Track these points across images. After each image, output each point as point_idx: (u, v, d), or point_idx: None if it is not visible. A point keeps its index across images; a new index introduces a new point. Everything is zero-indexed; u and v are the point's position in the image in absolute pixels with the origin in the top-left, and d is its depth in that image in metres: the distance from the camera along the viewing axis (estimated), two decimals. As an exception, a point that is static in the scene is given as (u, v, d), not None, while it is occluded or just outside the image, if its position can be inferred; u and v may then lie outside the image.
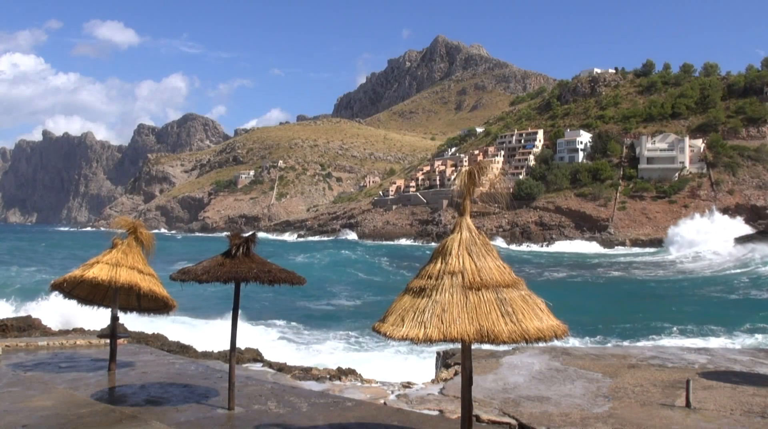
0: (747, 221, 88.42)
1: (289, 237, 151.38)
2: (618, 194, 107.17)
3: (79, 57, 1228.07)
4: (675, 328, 25.71)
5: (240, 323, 9.11)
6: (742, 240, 73.49)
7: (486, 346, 6.68)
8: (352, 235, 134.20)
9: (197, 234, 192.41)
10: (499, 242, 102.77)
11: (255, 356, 15.75)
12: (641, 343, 21.40)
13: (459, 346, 6.35)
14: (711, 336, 23.83)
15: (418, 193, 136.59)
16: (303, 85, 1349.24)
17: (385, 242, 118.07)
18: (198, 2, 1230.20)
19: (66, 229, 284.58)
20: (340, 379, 13.36)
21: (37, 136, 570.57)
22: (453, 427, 8.07)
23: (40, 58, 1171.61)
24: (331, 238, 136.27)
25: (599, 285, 48.37)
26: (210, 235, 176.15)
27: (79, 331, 17.77)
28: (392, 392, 11.41)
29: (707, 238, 77.13)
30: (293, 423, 8.18)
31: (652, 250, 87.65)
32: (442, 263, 6.15)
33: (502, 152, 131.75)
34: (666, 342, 22.15)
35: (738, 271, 55.42)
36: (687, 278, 52.05)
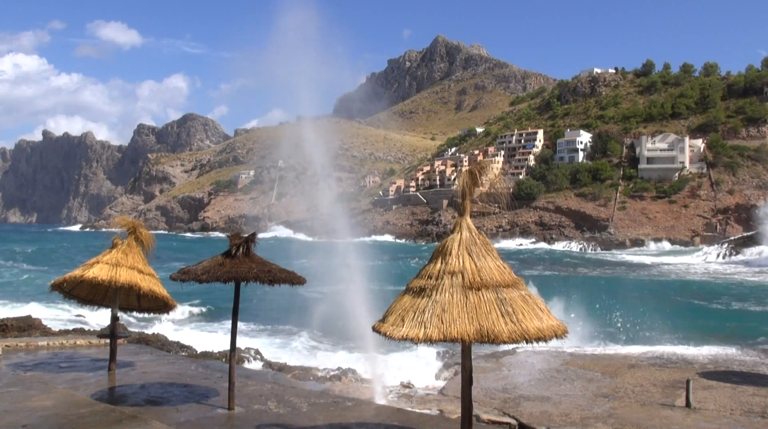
0: (746, 221, 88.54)
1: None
2: (618, 194, 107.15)
3: (82, 58, 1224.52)
4: (675, 332, 25.63)
5: (240, 323, 9.10)
6: (740, 241, 73.49)
7: (486, 346, 6.68)
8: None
9: (197, 234, 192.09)
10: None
11: (255, 356, 15.76)
12: (641, 344, 21.37)
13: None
14: (710, 340, 23.74)
15: (418, 193, 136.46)
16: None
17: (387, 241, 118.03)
18: (202, 3, 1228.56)
19: (77, 228, 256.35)
20: (340, 379, 13.37)
21: (37, 136, 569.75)
22: (453, 427, 8.06)
23: (42, 59, 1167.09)
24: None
25: (599, 285, 48.30)
26: (208, 234, 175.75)
27: (79, 332, 17.78)
28: (392, 392, 11.42)
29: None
30: (293, 423, 8.17)
31: (652, 249, 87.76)
32: (442, 263, 6.14)
33: (502, 152, 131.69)
34: (665, 343, 22.09)
35: (731, 276, 55.31)
36: (688, 280, 51.97)
